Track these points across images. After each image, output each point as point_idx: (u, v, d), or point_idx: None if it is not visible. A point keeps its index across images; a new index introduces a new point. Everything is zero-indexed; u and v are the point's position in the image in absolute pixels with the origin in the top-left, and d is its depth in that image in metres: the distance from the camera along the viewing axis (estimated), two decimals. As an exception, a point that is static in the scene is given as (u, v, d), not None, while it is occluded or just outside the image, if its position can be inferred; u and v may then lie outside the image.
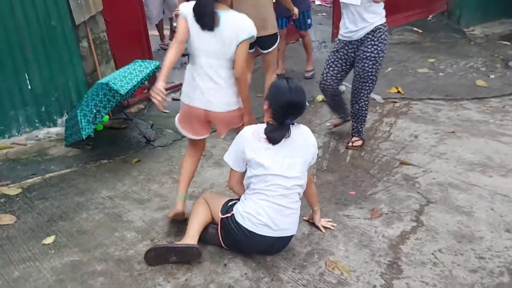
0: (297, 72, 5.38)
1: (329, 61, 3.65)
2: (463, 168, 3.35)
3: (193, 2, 2.46)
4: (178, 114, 2.81)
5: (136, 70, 3.72)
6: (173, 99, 4.92)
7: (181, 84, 5.06)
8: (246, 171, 2.44)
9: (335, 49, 3.61)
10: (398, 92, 4.84)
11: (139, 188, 3.24)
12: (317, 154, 2.51)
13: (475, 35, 6.46)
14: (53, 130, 4.04)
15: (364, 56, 3.41)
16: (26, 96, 3.86)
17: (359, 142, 3.78)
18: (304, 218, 2.75)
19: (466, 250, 2.49)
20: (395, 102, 4.65)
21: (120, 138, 4.05)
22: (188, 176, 2.82)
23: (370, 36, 3.37)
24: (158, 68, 4.00)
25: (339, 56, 3.57)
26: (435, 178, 3.24)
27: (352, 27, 3.39)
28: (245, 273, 2.36)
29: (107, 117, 4.25)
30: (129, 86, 3.53)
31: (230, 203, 2.49)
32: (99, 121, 3.60)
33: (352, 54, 3.52)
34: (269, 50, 3.90)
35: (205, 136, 2.78)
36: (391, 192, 3.11)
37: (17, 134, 3.91)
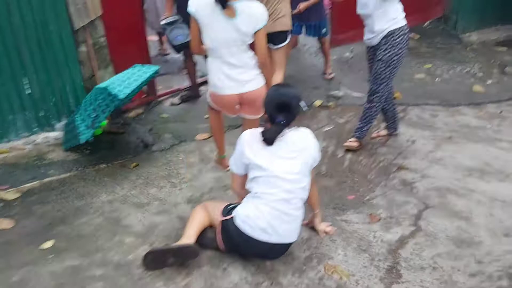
0: (298, 78, 5.39)
1: (368, 66, 3.84)
2: (461, 173, 3.37)
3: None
4: (209, 93, 3.05)
5: (135, 75, 3.72)
6: (172, 104, 4.93)
7: (179, 89, 5.13)
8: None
9: (366, 56, 3.83)
10: (395, 98, 4.85)
11: (138, 192, 3.24)
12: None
13: (471, 41, 6.50)
14: (52, 134, 4.03)
15: (377, 59, 3.55)
16: (25, 101, 3.85)
17: (355, 144, 3.78)
18: (304, 222, 2.76)
19: (465, 255, 2.50)
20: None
21: (119, 142, 4.05)
22: (221, 134, 3.22)
23: (383, 40, 3.50)
24: (157, 73, 4.01)
25: (369, 61, 3.79)
26: (433, 184, 3.25)
27: (369, 35, 3.58)
28: (245, 277, 2.36)
29: (106, 121, 4.24)
30: (128, 90, 3.54)
31: (230, 206, 2.50)
32: (97, 125, 3.60)
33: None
34: (279, 46, 3.94)
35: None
36: (389, 197, 3.13)
37: (15, 138, 3.90)
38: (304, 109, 4.70)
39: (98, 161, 3.68)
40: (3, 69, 3.67)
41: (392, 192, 3.19)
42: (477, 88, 5.01)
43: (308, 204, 2.63)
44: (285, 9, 3.86)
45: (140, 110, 4.75)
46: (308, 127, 4.21)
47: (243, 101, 2.92)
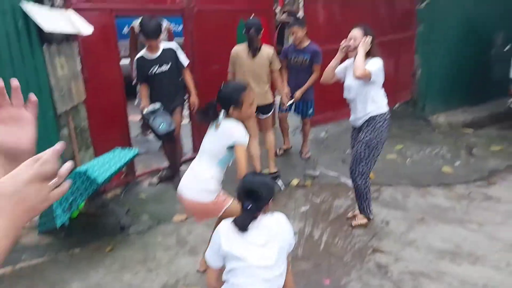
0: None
1: (352, 149, 4.01)
2: (433, 256, 3.44)
3: None
4: None
5: (115, 158, 3.81)
6: (150, 184, 4.98)
7: (158, 169, 5.20)
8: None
9: (352, 137, 4.04)
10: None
11: (112, 278, 3.19)
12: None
13: (439, 123, 6.85)
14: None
15: (358, 140, 3.76)
16: (2, 183, 3.86)
17: (363, 220, 3.93)
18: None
19: None
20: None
21: (95, 224, 4.04)
22: None
23: (365, 123, 3.74)
24: (137, 155, 4.11)
25: (353, 140, 3.98)
26: (407, 267, 3.30)
27: (353, 117, 3.84)
28: None
29: (83, 203, 4.25)
30: (107, 174, 3.60)
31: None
32: (74, 209, 3.61)
33: None
34: (268, 115, 4.90)
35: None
36: (364, 281, 3.15)
37: (-11, 221, 3.85)
38: (282, 188, 4.81)
39: (73, 245, 3.65)
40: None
41: (367, 276, 3.22)
42: (446, 169, 5.23)
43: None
44: (267, 86, 4.80)
45: (118, 191, 4.77)
46: (285, 206, 4.35)
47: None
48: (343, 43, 3.74)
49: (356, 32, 3.65)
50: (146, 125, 4.75)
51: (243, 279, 2.34)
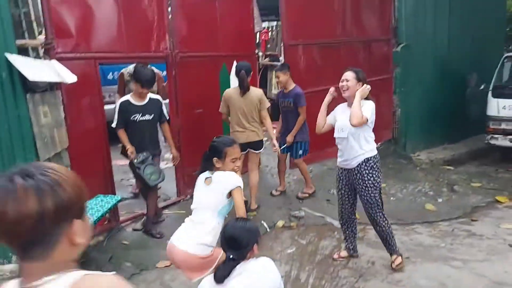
0: (260, 199, 5.54)
1: (337, 187, 3.99)
2: (419, 295, 3.43)
3: None
4: None
5: (97, 205, 3.79)
6: (134, 230, 4.92)
7: (143, 214, 5.15)
8: None
9: (338, 176, 3.97)
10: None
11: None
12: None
13: (421, 160, 6.98)
14: (7, 267, 3.89)
15: (365, 185, 3.72)
16: (-18, 233, 3.78)
17: (399, 260, 3.85)
18: None
19: None
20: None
21: (77, 274, 3.94)
22: None
23: (363, 166, 3.71)
24: (119, 201, 4.09)
25: (344, 184, 3.92)
26: (394, 308, 3.28)
27: (346, 157, 3.79)
28: None
29: (65, 251, 4.17)
30: (90, 221, 3.56)
31: None
32: (56, 258, 3.54)
33: (352, 181, 3.83)
34: (258, 151, 5.21)
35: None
36: (351, 324, 3.11)
37: (-33, 273, 3.75)
38: (267, 230, 4.80)
39: (54, 296, 3.54)
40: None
41: (354, 318, 3.19)
42: (429, 206, 5.29)
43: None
44: (258, 124, 5.11)
45: (100, 238, 4.69)
46: (271, 249, 4.32)
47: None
48: (332, 89, 3.85)
49: (348, 74, 3.76)
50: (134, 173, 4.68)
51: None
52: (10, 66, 3.68)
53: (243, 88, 5.01)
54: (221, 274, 2.33)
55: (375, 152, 3.79)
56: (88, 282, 1.04)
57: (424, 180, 6.11)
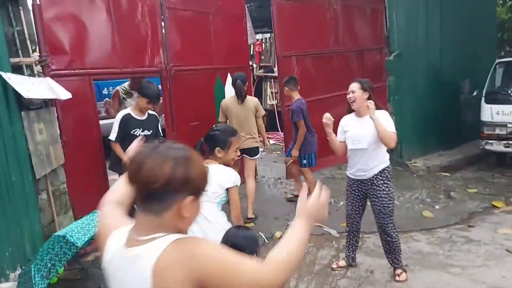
0: (258, 209, 5.55)
1: (348, 197, 3.95)
2: (419, 303, 3.42)
3: None
4: None
5: (94, 221, 3.76)
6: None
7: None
8: None
9: (349, 187, 3.92)
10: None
11: None
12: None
13: (417, 167, 7.00)
14: (5, 285, 3.86)
15: (380, 195, 3.71)
16: (-22, 252, 3.77)
17: (404, 275, 3.82)
18: None
19: None
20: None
21: (75, 290, 3.93)
22: None
23: (379, 176, 3.70)
24: (116, 216, 4.07)
25: (354, 193, 3.88)
26: (393, 316, 3.28)
27: (361, 167, 3.74)
28: None
29: (62, 268, 4.14)
30: (87, 237, 3.55)
31: None
32: (53, 275, 3.52)
33: (365, 191, 3.81)
34: (255, 157, 5.39)
35: None
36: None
37: (-36, 292, 3.73)
38: (266, 241, 4.79)
39: (52, 314, 3.53)
40: (-42, 222, 3.65)
41: (354, 328, 3.17)
42: (427, 213, 5.30)
43: None
44: (255, 131, 5.32)
45: (98, 253, 4.67)
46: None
47: None
48: (326, 119, 3.71)
49: (353, 86, 3.74)
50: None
51: None
52: (4, 84, 3.70)
53: (241, 97, 5.23)
54: None
55: (388, 162, 3.78)
56: (183, 244, 1.22)
57: (421, 187, 6.13)
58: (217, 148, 2.90)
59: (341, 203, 5.76)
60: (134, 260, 1.24)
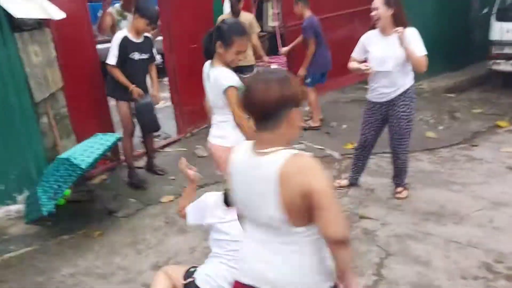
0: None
1: (367, 121, 3.83)
2: (418, 218, 3.49)
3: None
4: None
5: (97, 144, 3.77)
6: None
7: (144, 153, 5.15)
8: None
9: (368, 110, 3.80)
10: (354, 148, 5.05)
11: (101, 263, 3.20)
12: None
13: (422, 89, 6.87)
14: (13, 207, 3.97)
15: (398, 116, 3.59)
16: (-15, 175, 3.82)
17: (406, 192, 3.85)
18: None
19: (425, 301, 2.57)
20: (352, 157, 4.83)
21: (82, 211, 4.02)
22: None
23: (401, 97, 3.56)
24: (119, 140, 4.08)
25: (373, 116, 3.76)
26: (393, 230, 3.36)
27: (384, 90, 3.59)
28: None
29: (69, 190, 4.21)
30: (90, 160, 3.57)
31: (193, 269, 2.50)
32: (59, 196, 3.58)
33: (385, 113, 3.69)
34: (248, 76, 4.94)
35: None
36: (352, 247, 3.19)
37: (-25, 214, 3.83)
38: (338, 157, 4.83)
39: (61, 233, 3.63)
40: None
41: (355, 242, 3.25)
42: (430, 134, 5.27)
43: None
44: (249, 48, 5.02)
45: (104, 176, 4.75)
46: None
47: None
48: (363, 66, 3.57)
49: (376, 2, 3.46)
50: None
51: (225, 250, 2.37)
52: (-6, 4, 3.54)
53: (235, 13, 5.12)
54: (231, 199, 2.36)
55: (413, 81, 3.62)
56: (300, 157, 1.50)
57: (426, 109, 6.05)
58: (219, 42, 2.75)
59: (344, 126, 5.74)
60: (262, 166, 1.52)
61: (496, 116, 5.65)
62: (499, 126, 5.34)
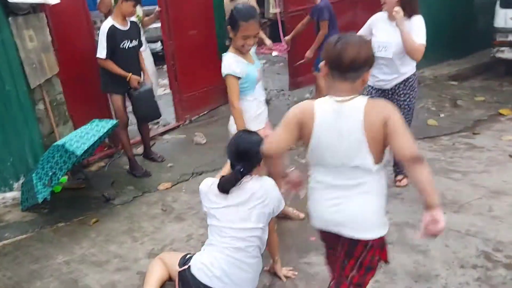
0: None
1: None
2: (417, 206, 3.42)
3: None
4: None
5: (93, 130, 3.73)
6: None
7: (141, 140, 5.09)
8: None
9: (368, 96, 3.68)
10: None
11: (97, 250, 3.17)
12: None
13: (425, 77, 6.79)
14: (9, 195, 3.95)
15: (399, 105, 3.44)
16: (-20, 162, 3.79)
17: (406, 181, 3.77)
18: (265, 268, 2.75)
19: (422, 290, 2.54)
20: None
21: (79, 198, 3.99)
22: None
23: (401, 85, 3.47)
24: (116, 126, 4.03)
25: None
26: (392, 219, 3.29)
27: (384, 77, 3.50)
28: (205, 332, 2.31)
29: (66, 177, 4.20)
30: (86, 146, 3.54)
31: (188, 256, 2.48)
32: (55, 183, 3.55)
33: (387, 99, 3.54)
34: None
35: None
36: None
37: (-30, 201, 3.80)
38: None
39: (57, 220, 3.61)
40: (-44, 132, 3.62)
41: (353, 231, 3.23)
42: (431, 122, 5.21)
43: (268, 252, 2.65)
44: None
45: (102, 163, 4.71)
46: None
47: None
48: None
49: None
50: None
51: (218, 237, 2.34)
52: (-14, -13, 3.47)
53: None
54: (226, 184, 2.33)
55: (415, 69, 3.52)
56: (375, 100, 1.82)
57: (427, 96, 5.97)
58: (229, 26, 2.73)
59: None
60: (347, 110, 1.79)
61: (499, 104, 5.58)
62: (501, 114, 5.27)
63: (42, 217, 3.67)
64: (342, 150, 1.81)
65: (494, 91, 6.19)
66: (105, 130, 3.78)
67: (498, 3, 6.55)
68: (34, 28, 3.99)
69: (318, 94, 5.99)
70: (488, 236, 3.01)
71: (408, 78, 3.48)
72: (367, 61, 1.78)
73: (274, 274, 2.75)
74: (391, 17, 3.36)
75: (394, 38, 3.31)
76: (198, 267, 2.34)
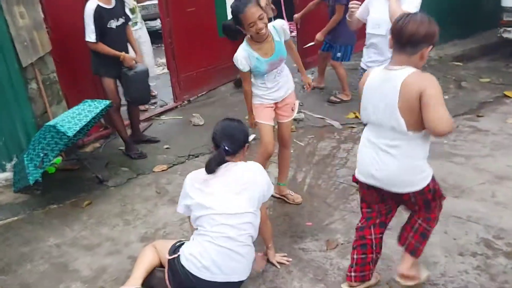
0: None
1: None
2: (417, 191, 3.36)
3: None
4: None
5: (85, 111, 3.64)
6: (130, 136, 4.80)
7: (140, 121, 5.01)
8: None
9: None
10: (356, 117, 4.88)
11: (88, 233, 3.12)
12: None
13: (429, 57, 6.62)
14: (1, 175, 3.88)
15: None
16: (-28, 142, 3.71)
17: None
18: (259, 254, 2.68)
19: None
20: (353, 127, 4.68)
21: (72, 180, 3.92)
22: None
23: None
24: (109, 106, 3.93)
25: None
26: (391, 204, 3.23)
27: (377, 57, 3.42)
28: (195, 319, 2.26)
29: (60, 158, 4.12)
30: (78, 127, 3.44)
31: (178, 243, 2.42)
32: (46, 165, 3.47)
33: None
34: None
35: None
36: (347, 221, 3.09)
37: (-37, 182, 3.74)
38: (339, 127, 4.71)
39: (49, 202, 3.55)
40: None
41: (350, 215, 3.16)
42: (434, 103, 5.08)
43: (262, 239, 2.58)
44: None
45: (97, 144, 4.64)
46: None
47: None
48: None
49: None
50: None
51: (209, 226, 2.27)
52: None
53: None
54: (211, 163, 2.31)
55: None
56: (422, 72, 1.94)
57: (431, 77, 5.85)
58: (236, 25, 2.83)
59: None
60: (391, 77, 1.97)
61: (504, 86, 5.43)
62: (507, 96, 5.13)
63: (34, 199, 3.61)
64: (381, 110, 2.03)
65: (500, 72, 6.03)
66: (97, 111, 3.68)
67: (506, -19, 6.34)
68: (25, 4, 3.86)
69: (321, 77, 5.85)
70: (490, 222, 2.92)
71: None
72: (426, 37, 1.91)
73: (268, 260, 2.68)
74: None
75: (387, 15, 3.17)
76: (187, 258, 2.27)
